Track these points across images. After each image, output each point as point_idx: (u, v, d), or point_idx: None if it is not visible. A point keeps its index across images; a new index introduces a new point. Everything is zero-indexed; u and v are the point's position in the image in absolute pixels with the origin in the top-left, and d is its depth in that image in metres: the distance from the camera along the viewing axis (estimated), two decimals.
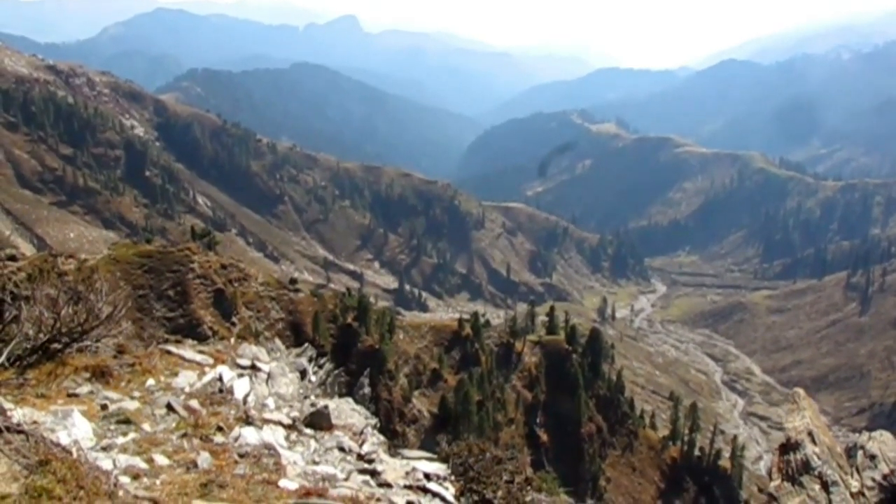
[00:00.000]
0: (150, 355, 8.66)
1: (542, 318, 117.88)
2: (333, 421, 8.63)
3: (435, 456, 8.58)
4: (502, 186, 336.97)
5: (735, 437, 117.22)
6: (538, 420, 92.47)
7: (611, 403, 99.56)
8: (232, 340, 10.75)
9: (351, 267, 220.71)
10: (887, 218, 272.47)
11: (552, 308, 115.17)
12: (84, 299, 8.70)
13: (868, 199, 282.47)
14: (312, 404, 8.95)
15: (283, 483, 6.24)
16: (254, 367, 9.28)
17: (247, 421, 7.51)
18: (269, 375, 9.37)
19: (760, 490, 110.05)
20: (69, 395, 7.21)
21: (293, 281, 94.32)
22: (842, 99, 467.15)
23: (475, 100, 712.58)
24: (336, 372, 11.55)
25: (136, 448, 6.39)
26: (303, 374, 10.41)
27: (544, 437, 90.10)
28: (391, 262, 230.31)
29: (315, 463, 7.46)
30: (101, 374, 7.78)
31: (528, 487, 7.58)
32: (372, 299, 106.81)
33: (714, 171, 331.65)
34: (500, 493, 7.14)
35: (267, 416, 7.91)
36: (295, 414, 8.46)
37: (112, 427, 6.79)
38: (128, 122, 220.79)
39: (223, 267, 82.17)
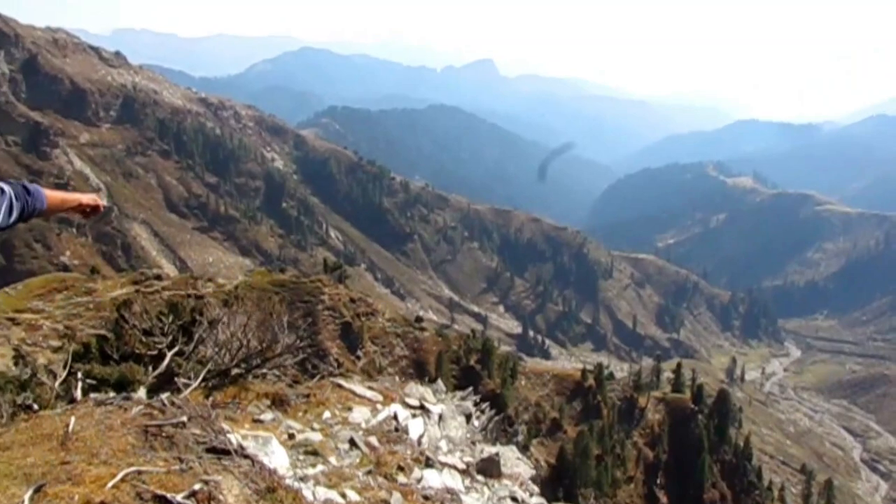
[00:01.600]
0: (322, 387, 8.75)
1: (667, 374, 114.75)
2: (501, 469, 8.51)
3: None
4: (633, 236, 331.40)
5: None
6: (658, 481, 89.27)
7: (736, 470, 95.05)
8: (397, 378, 10.82)
9: (475, 309, 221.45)
10: None
11: (679, 365, 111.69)
12: (268, 328, 8.92)
13: None
14: (481, 450, 8.91)
15: None
16: (422, 408, 9.32)
17: (427, 463, 7.49)
18: (441, 417, 9.42)
19: None
20: (254, 421, 7.37)
21: (419, 319, 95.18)
22: None
23: (609, 147, 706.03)
24: (497, 418, 11.44)
25: (327, 481, 6.43)
26: (467, 417, 10.41)
27: (664, 500, 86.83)
28: (516, 307, 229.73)
29: None
30: (279, 403, 7.93)
31: None
32: (495, 343, 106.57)
33: (858, 232, 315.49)
34: None
35: (442, 458, 7.91)
36: (468, 459, 8.46)
37: (301, 457, 6.84)
38: (269, 155, 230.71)
39: (352, 300, 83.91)
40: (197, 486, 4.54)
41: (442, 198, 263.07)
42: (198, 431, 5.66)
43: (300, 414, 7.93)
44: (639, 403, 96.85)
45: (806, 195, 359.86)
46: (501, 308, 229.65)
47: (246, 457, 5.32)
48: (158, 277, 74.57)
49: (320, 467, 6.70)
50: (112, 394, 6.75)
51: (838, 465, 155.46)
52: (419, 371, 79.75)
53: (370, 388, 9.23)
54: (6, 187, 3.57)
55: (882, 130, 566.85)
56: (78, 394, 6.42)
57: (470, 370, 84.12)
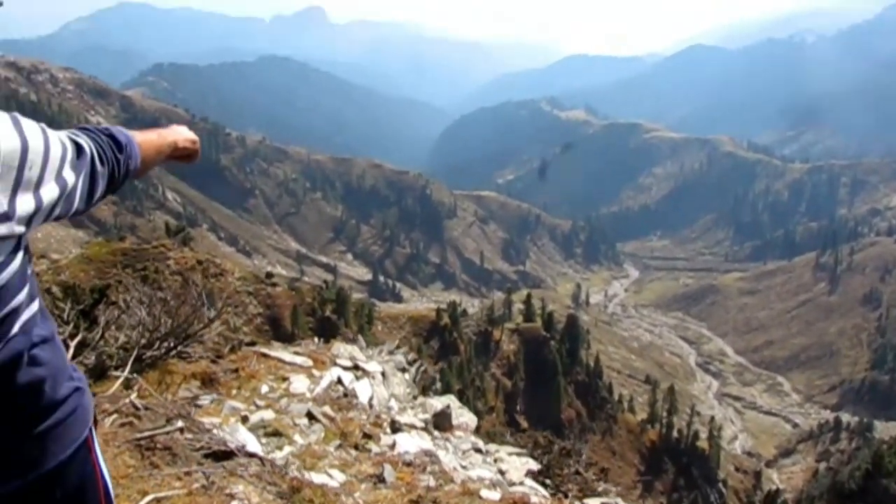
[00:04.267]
0: (247, 358, 8.21)
1: (517, 305, 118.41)
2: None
3: (522, 450, 8.44)
4: (473, 175, 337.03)
5: (712, 419, 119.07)
6: (518, 407, 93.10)
7: (589, 388, 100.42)
8: (315, 339, 10.47)
9: (324, 259, 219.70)
10: (853, 198, 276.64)
11: (528, 295, 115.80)
12: (187, 301, 8.29)
13: (834, 181, 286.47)
14: (430, 405, 8.70)
15: (484, 494, 5.69)
16: (356, 368, 8.85)
17: (393, 427, 7.18)
18: (384, 376, 9.02)
19: (737, 469, 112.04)
20: (193, 406, 6.61)
21: (269, 275, 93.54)
22: (807, 82, 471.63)
23: (444, 90, 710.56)
24: (423, 368, 11.49)
25: (302, 463, 5.79)
26: (402, 371, 10.15)
27: (525, 424, 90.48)
28: (364, 254, 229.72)
29: (464, 468, 7.04)
30: (209, 382, 7.32)
31: (602, 478, 7.59)
32: (347, 291, 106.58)
33: (683, 156, 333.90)
34: (575, 488, 7.08)
35: (400, 419, 7.49)
36: (424, 416, 8.07)
37: (264, 440, 6.19)
38: (94, 119, 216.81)
39: (199, 263, 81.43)
40: None
41: (280, 150, 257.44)
42: (189, 435, 4.91)
43: (234, 391, 7.34)
44: (493, 336, 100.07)
45: (635, 124, 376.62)
46: (350, 256, 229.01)
47: (250, 455, 4.70)
48: None
49: (287, 448, 6.08)
50: None
51: (677, 372, 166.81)
52: (275, 327, 78.84)
53: (296, 353, 8.78)
54: (85, 143, 2.11)
55: (699, 59, 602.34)
56: None
57: (326, 321, 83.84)
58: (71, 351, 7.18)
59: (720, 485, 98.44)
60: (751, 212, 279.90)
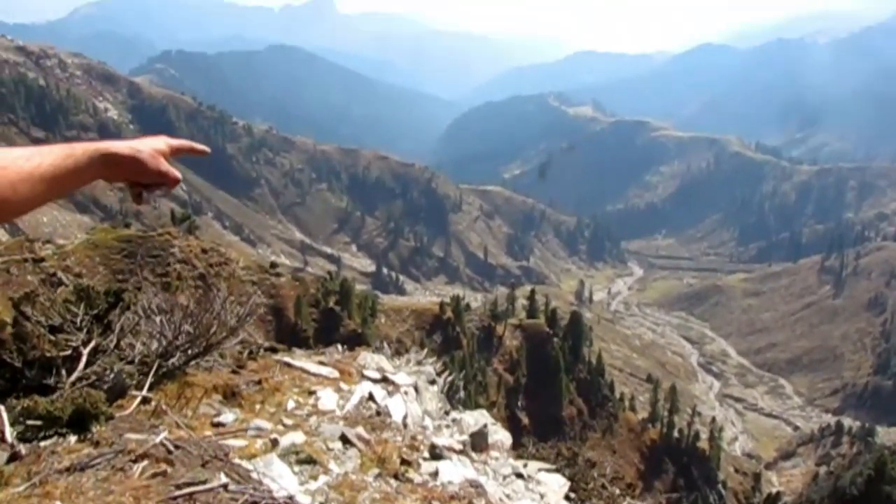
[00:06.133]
0: (269, 368, 7.72)
1: (521, 301, 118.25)
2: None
3: (550, 466, 8.09)
4: (480, 170, 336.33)
5: (713, 419, 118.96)
6: (520, 403, 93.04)
7: (591, 386, 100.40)
8: (339, 346, 9.84)
9: (328, 250, 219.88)
10: (861, 202, 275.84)
11: (532, 291, 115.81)
12: (208, 308, 7.70)
13: (842, 184, 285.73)
14: (463, 421, 8.25)
15: None
16: (386, 380, 8.29)
17: (433, 452, 6.61)
18: (417, 390, 8.47)
19: (737, 470, 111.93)
20: (214, 425, 6.14)
21: (273, 265, 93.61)
22: (817, 84, 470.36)
23: (452, 83, 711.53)
24: (451, 378, 10.92)
25: (340, 497, 5.25)
26: (431, 383, 9.59)
27: (526, 420, 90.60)
28: (368, 246, 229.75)
29: (508, 497, 6.56)
30: (231, 395, 6.80)
31: (630, 495, 7.31)
32: (350, 283, 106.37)
33: (691, 155, 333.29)
34: (600, 502, 6.78)
35: (438, 441, 6.92)
36: (462, 437, 7.57)
37: (296, 469, 5.54)
38: (101, 105, 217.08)
39: (204, 251, 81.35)
40: None
41: (287, 140, 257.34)
42: (232, 486, 4.26)
43: (258, 406, 6.78)
44: (496, 331, 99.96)
45: (642, 122, 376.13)
46: (354, 247, 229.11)
47: None
48: None
49: (323, 479, 5.52)
50: (73, 439, 4.82)
51: (679, 371, 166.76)
52: (278, 317, 78.91)
53: (321, 363, 8.27)
54: None
55: (709, 58, 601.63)
56: (21, 449, 4.54)
57: (330, 312, 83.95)
58: (84, 359, 6.74)
59: (720, 486, 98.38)
60: (757, 213, 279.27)
